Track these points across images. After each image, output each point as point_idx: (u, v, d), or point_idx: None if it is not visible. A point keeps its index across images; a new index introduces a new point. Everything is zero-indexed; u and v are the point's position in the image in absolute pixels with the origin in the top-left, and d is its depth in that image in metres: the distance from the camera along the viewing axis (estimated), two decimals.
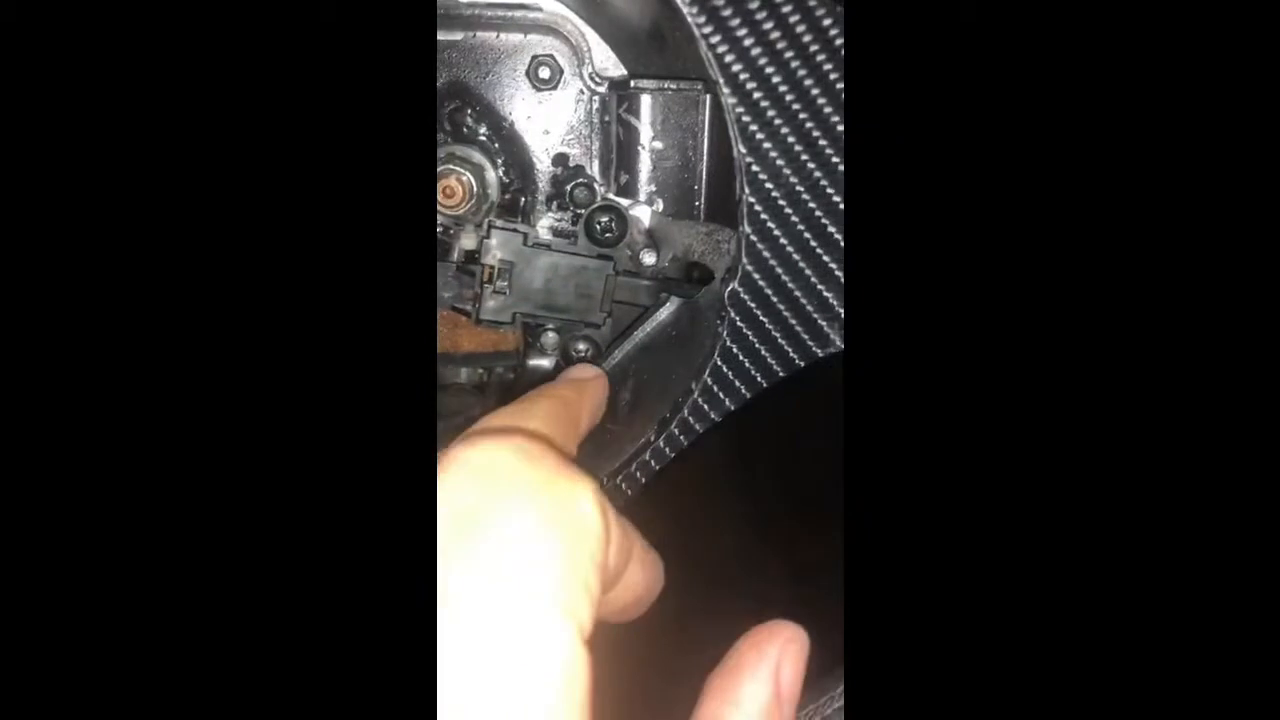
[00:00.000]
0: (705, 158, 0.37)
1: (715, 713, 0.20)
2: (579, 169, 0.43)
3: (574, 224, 0.42)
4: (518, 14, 0.40)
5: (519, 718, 0.16)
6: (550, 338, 0.43)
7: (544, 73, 0.41)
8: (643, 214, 0.41)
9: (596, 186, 0.40)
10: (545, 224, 0.43)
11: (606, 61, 0.41)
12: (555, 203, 0.44)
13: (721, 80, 0.32)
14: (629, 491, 0.39)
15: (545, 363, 0.48)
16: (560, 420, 0.27)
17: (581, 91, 0.42)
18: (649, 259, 0.39)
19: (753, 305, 0.36)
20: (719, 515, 0.49)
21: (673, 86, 0.37)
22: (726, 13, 0.31)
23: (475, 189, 0.42)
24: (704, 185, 0.38)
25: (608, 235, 0.40)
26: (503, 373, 0.50)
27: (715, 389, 0.38)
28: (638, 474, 0.39)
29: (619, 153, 0.39)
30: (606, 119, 0.41)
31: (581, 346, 0.44)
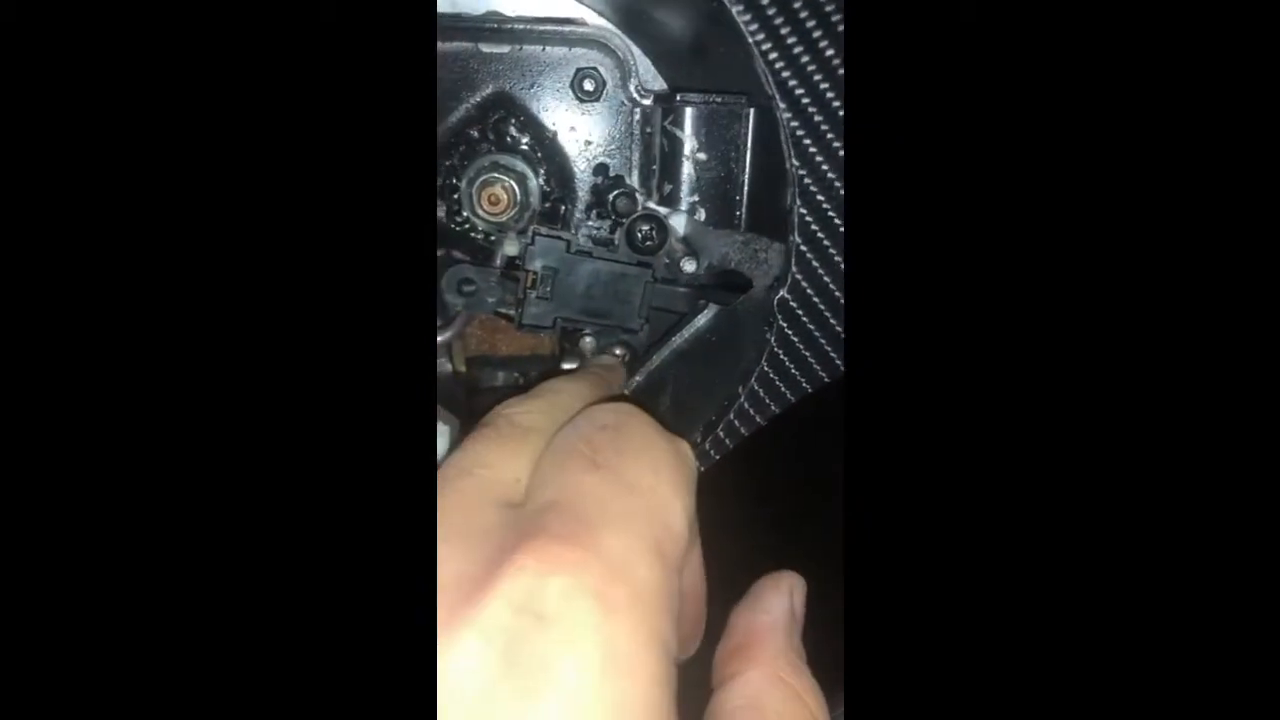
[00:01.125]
0: (748, 169, 0.38)
1: (746, 619, 0.25)
2: (619, 179, 0.44)
3: (613, 232, 0.44)
4: (564, 29, 0.41)
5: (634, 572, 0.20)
6: (588, 342, 0.44)
7: (588, 85, 0.43)
8: (681, 223, 0.42)
9: (637, 196, 0.41)
10: (585, 232, 0.45)
11: (648, 75, 0.42)
12: (595, 211, 0.45)
13: (777, 94, 0.34)
14: None
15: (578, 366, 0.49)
16: (602, 390, 0.30)
17: (624, 104, 0.43)
18: (688, 267, 0.41)
19: (801, 313, 0.37)
20: (736, 519, 0.50)
21: (717, 100, 0.38)
22: (783, 29, 0.33)
23: (519, 197, 0.43)
24: (745, 196, 0.39)
25: (648, 243, 0.41)
26: (537, 377, 0.51)
27: (762, 394, 0.39)
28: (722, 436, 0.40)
29: (661, 163, 0.40)
30: (648, 130, 0.42)
31: (618, 351, 0.45)
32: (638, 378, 0.42)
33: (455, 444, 0.41)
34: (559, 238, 0.41)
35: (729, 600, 0.26)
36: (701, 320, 0.41)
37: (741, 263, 0.42)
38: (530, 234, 0.41)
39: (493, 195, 0.43)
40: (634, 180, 0.44)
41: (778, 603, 0.25)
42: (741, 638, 0.24)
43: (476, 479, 0.23)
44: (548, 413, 0.26)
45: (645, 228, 0.41)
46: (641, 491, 0.21)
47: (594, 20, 0.42)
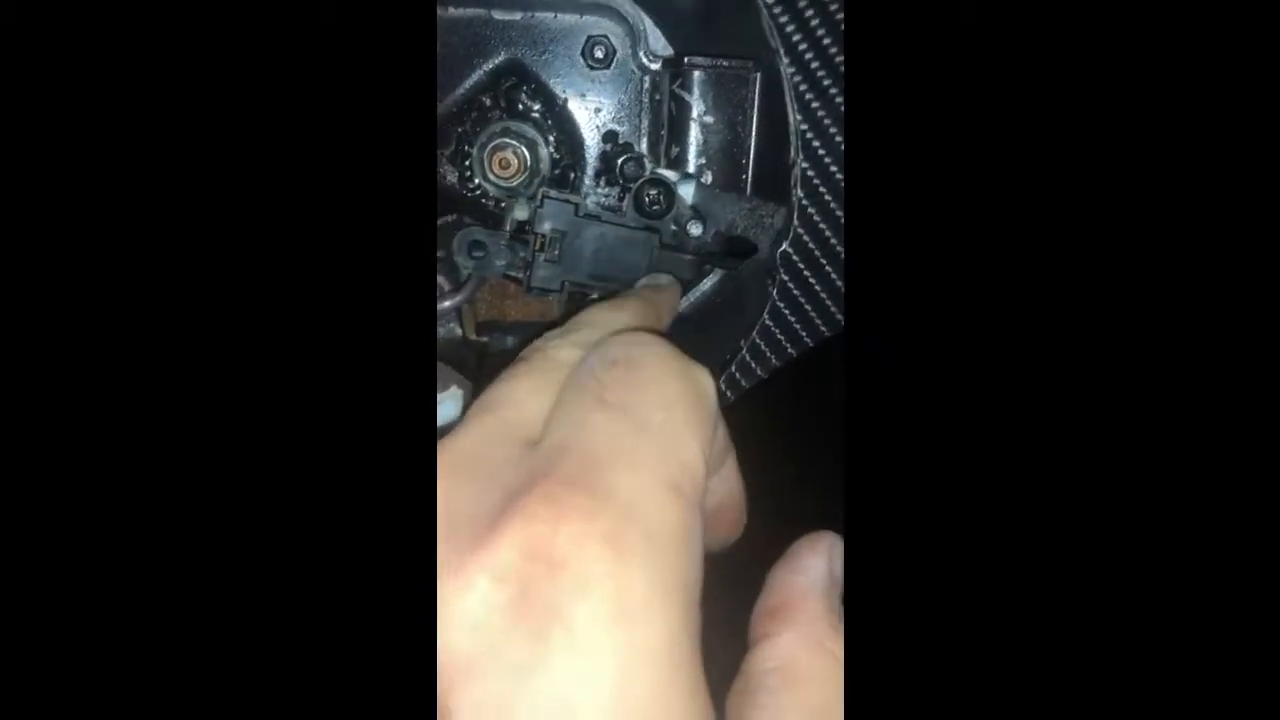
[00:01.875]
0: (755, 132, 0.39)
1: (783, 579, 0.24)
2: (628, 145, 0.45)
3: (621, 199, 0.44)
4: None
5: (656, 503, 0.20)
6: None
7: (598, 52, 0.43)
8: (689, 188, 0.42)
9: (645, 161, 0.42)
10: (594, 199, 0.45)
11: (656, 42, 0.43)
12: (604, 178, 0.46)
13: (781, 50, 0.34)
14: None
15: None
16: (646, 317, 0.29)
17: (633, 71, 0.44)
18: (695, 230, 0.41)
19: (803, 267, 0.38)
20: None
21: (724, 64, 0.39)
22: None
23: (529, 162, 0.44)
24: (752, 159, 0.40)
25: (655, 208, 0.42)
26: None
27: (763, 347, 0.39)
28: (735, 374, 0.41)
29: (670, 127, 0.41)
30: (657, 97, 0.43)
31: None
32: None
33: (467, 409, 0.42)
34: (567, 201, 0.42)
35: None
36: (706, 284, 0.42)
37: (748, 229, 0.43)
38: (540, 197, 0.42)
39: (503, 160, 0.43)
40: (642, 146, 0.45)
41: (815, 564, 0.24)
42: (778, 599, 0.23)
43: (497, 417, 0.23)
44: (584, 346, 0.25)
45: (653, 192, 0.42)
46: (653, 429, 0.21)
47: None
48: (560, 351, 0.25)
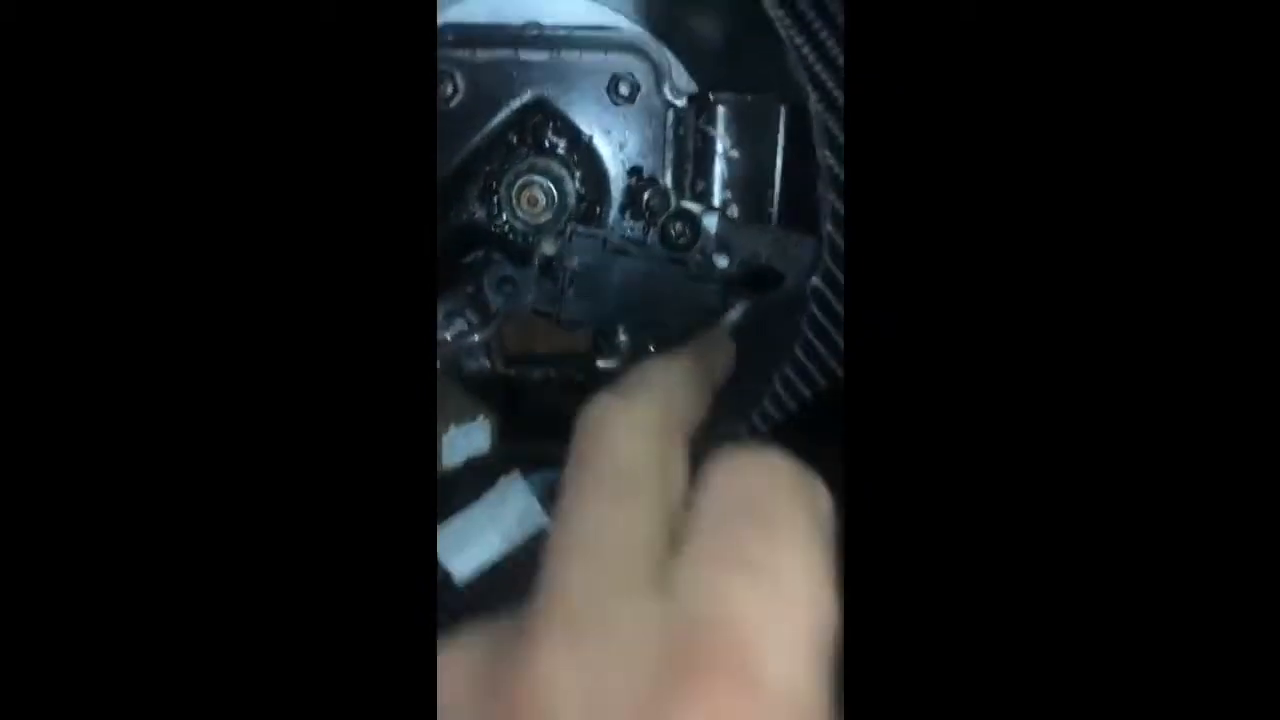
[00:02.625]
0: (780, 165, 0.39)
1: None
2: (652, 179, 0.46)
3: (646, 232, 0.45)
4: (600, 34, 0.42)
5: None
6: (623, 340, 0.46)
7: (622, 89, 0.44)
8: (714, 221, 0.43)
9: (670, 194, 0.43)
10: (619, 232, 0.46)
11: (681, 79, 0.44)
12: (629, 211, 0.46)
13: (809, 85, 0.35)
14: None
15: (613, 364, 0.50)
16: (703, 380, 0.27)
17: (658, 106, 0.44)
18: (721, 262, 0.42)
19: (832, 299, 0.38)
20: None
21: (749, 98, 0.40)
22: (815, 23, 0.34)
23: (556, 198, 0.45)
24: (778, 192, 0.40)
25: (681, 241, 0.42)
26: (572, 374, 0.52)
27: (794, 379, 0.40)
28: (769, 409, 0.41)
29: (695, 162, 0.41)
30: (682, 132, 0.44)
31: (652, 348, 0.46)
32: None
33: (495, 440, 0.42)
34: (595, 236, 0.42)
35: None
36: (733, 315, 0.42)
37: (773, 258, 0.43)
38: (568, 232, 0.42)
39: (531, 197, 0.44)
40: (667, 181, 0.45)
41: None
42: None
43: (603, 562, 0.20)
44: (651, 430, 0.23)
45: (678, 225, 0.43)
46: (798, 592, 0.19)
47: (629, 26, 0.43)
48: (632, 451, 0.22)
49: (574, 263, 0.43)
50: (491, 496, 0.32)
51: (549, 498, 0.34)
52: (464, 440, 0.39)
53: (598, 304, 0.44)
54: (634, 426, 0.23)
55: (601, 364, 0.51)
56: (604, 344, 0.48)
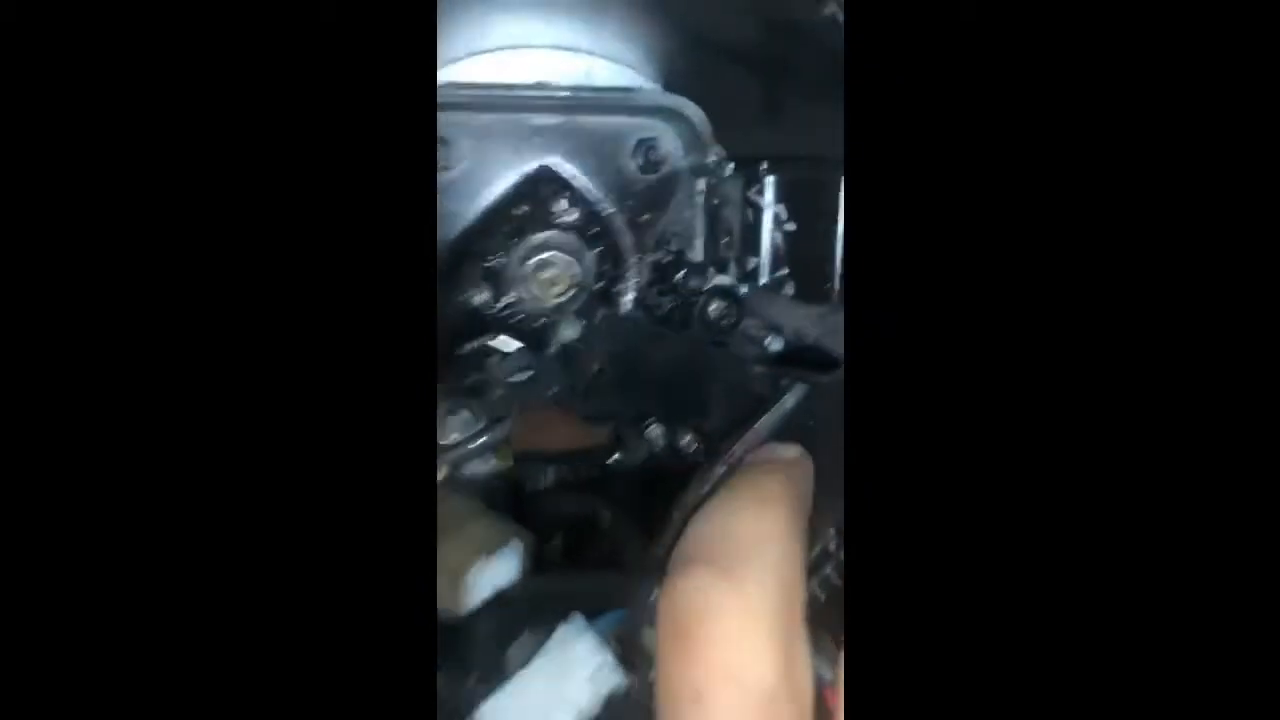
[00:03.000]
0: (841, 239, 0.36)
1: None
2: (680, 253, 0.41)
3: (679, 310, 0.40)
4: (621, 97, 0.38)
5: None
6: (655, 430, 0.40)
7: (649, 155, 0.40)
8: (760, 298, 0.39)
9: (709, 271, 0.38)
10: (643, 309, 0.41)
11: (711, 144, 0.40)
12: (656, 289, 0.42)
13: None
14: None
15: (633, 458, 0.45)
16: (796, 514, 0.25)
17: (688, 173, 0.40)
18: (775, 345, 0.37)
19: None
20: None
21: (805, 164, 0.36)
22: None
23: (576, 277, 0.40)
24: (836, 267, 0.36)
25: (723, 321, 0.38)
26: (588, 470, 0.46)
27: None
28: (831, 575, 0.35)
29: (741, 235, 0.37)
30: (715, 201, 0.40)
31: (686, 439, 0.40)
32: (719, 469, 0.38)
33: (526, 564, 0.36)
34: (626, 319, 0.37)
35: None
36: (789, 402, 0.38)
37: (821, 338, 0.39)
38: (597, 315, 0.37)
39: (550, 277, 0.39)
40: (698, 253, 0.41)
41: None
42: None
43: None
44: (771, 629, 0.21)
45: (719, 304, 0.38)
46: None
47: (650, 87, 0.39)
48: (752, 653, 0.21)
49: (602, 348, 0.37)
50: (551, 652, 0.26)
51: (618, 646, 0.27)
52: (491, 572, 0.32)
53: (629, 394, 0.38)
54: (748, 616, 0.21)
55: (619, 457, 0.45)
56: (627, 437, 0.43)
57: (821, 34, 0.32)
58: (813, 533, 0.27)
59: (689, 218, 0.41)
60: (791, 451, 0.31)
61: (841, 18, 0.32)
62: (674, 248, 0.41)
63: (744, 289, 0.38)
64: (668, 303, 0.42)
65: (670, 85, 0.40)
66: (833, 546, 0.38)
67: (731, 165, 0.37)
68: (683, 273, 0.38)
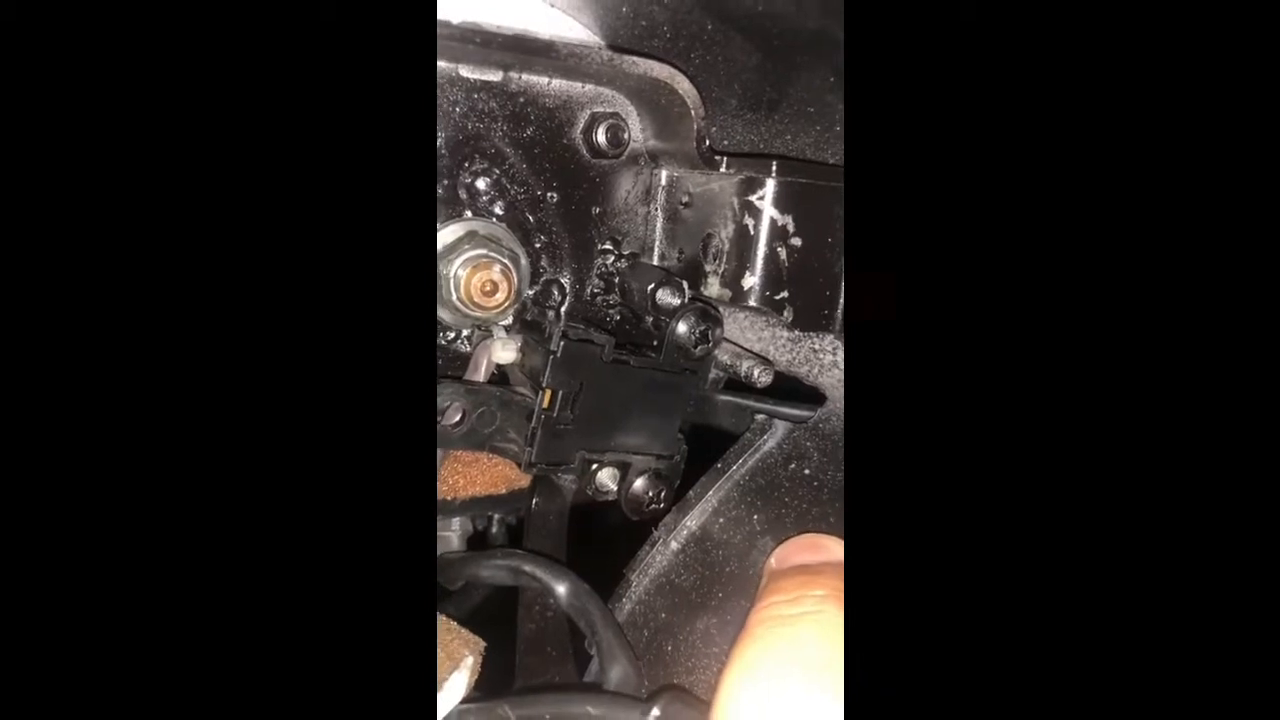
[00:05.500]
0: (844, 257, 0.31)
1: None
2: (634, 256, 0.34)
3: (625, 320, 0.33)
4: (578, 57, 0.29)
5: None
6: (608, 473, 0.33)
7: (604, 136, 0.32)
8: (738, 318, 0.33)
9: (684, 287, 0.31)
10: (577, 323, 0.33)
11: (675, 130, 0.33)
12: (607, 298, 0.34)
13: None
14: None
15: (558, 504, 0.37)
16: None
17: (646, 160, 0.33)
18: (764, 378, 0.31)
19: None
20: None
21: (814, 168, 0.30)
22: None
23: (516, 282, 0.31)
24: (844, 288, 0.31)
25: (700, 346, 0.31)
26: (504, 518, 0.38)
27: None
28: None
29: (735, 246, 0.31)
30: (685, 201, 0.33)
31: (641, 485, 0.34)
32: (688, 522, 0.32)
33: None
34: (590, 342, 0.30)
35: None
36: (769, 443, 0.32)
37: (794, 364, 0.34)
38: (556, 339, 0.29)
39: (487, 283, 0.30)
40: (654, 258, 0.34)
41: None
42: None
43: None
44: None
45: (692, 325, 0.31)
46: None
47: (613, 52, 0.31)
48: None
49: (562, 380, 0.29)
50: None
51: None
52: (446, 693, 0.24)
53: (587, 434, 0.31)
54: None
55: (541, 501, 0.37)
56: (560, 478, 0.35)
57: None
58: None
59: (645, 215, 0.34)
60: (842, 551, 0.26)
61: None
62: (625, 248, 0.34)
63: (721, 308, 0.32)
64: (615, 315, 0.34)
65: (644, 48, 0.32)
66: None
67: (724, 161, 0.30)
68: (652, 286, 0.31)
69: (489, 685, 0.28)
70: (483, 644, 0.26)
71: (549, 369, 0.29)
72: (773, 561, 0.28)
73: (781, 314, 0.30)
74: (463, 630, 0.27)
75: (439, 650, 0.25)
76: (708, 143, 0.30)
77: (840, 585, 0.24)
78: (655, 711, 0.23)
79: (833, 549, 0.27)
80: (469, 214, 0.31)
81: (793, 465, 0.32)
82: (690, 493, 0.33)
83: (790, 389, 0.35)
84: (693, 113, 0.29)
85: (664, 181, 0.33)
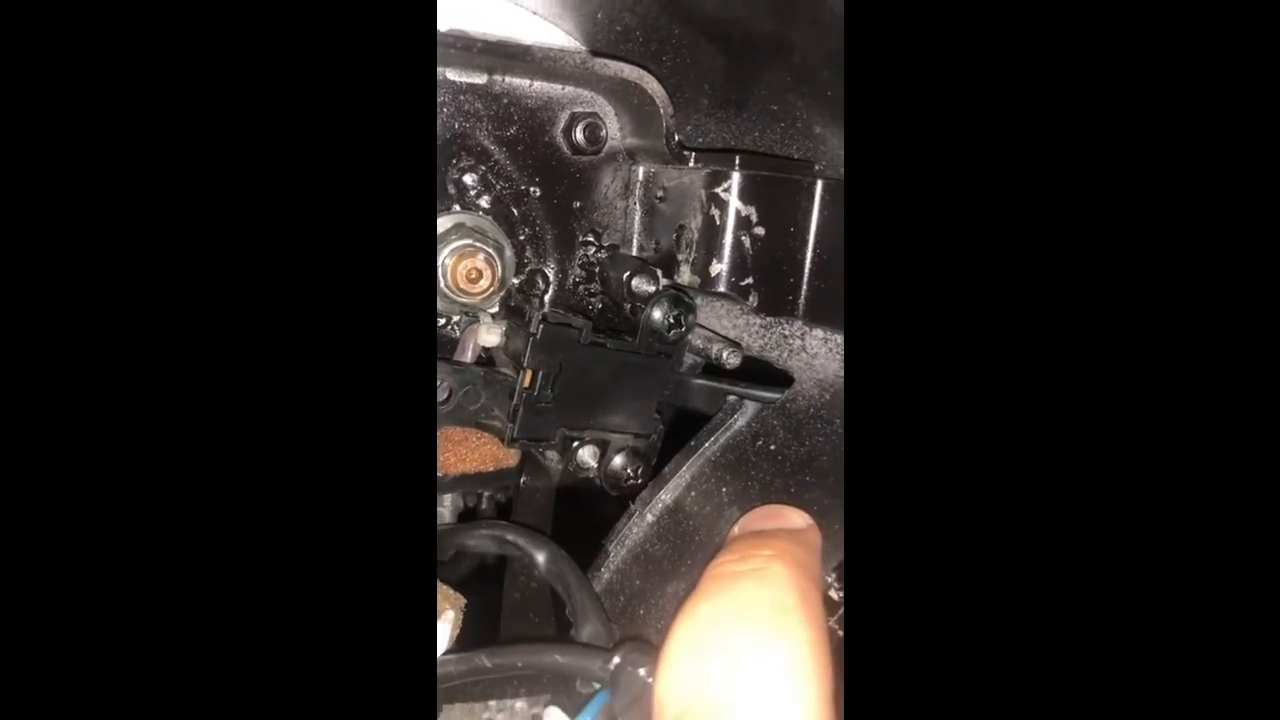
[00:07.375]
0: (811, 248, 0.33)
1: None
2: (614, 247, 0.36)
3: (607, 309, 0.35)
4: (557, 60, 0.32)
5: None
6: (588, 451, 0.35)
7: (584, 134, 0.34)
8: (711, 305, 0.35)
9: (659, 274, 0.34)
10: (557, 308, 0.35)
11: (648, 127, 0.35)
12: (589, 286, 0.36)
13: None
14: None
15: (544, 481, 0.39)
16: (808, 594, 0.24)
17: (624, 157, 0.35)
18: (733, 360, 0.33)
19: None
20: None
21: (780, 161, 0.32)
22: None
23: (500, 270, 0.33)
24: (807, 277, 0.33)
25: (673, 330, 0.33)
26: (493, 495, 0.40)
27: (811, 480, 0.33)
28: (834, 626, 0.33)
29: (703, 237, 0.33)
30: (660, 195, 0.35)
31: (619, 462, 0.36)
32: (663, 496, 0.34)
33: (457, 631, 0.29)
34: (568, 326, 0.32)
35: None
36: (739, 422, 0.34)
37: (766, 349, 0.36)
38: (536, 322, 0.31)
39: (472, 270, 0.32)
40: (634, 249, 0.36)
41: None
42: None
43: None
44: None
45: (666, 311, 0.33)
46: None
47: (590, 55, 0.33)
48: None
49: (542, 360, 0.32)
50: None
51: None
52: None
53: (567, 412, 0.33)
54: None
55: (530, 481, 0.39)
56: (543, 456, 0.37)
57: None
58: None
59: (623, 209, 0.36)
60: (799, 520, 0.28)
61: None
62: (604, 240, 0.36)
63: (693, 294, 0.34)
64: (597, 303, 0.36)
65: (620, 52, 0.34)
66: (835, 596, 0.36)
67: (692, 156, 0.32)
68: (629, 274, 0.33)
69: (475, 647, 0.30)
70: (463, 600, 0.28)
71: (529, 349, 0.31)
72: (736, 529, 0.30)
73: (747, 299, 0.32)
74: (444, 586, 0.29)
75: None
76: (677, 139, 0.32)
77: (788, 548, 0.26)
78: (616, 659, 0.25)
79: (791, 517, 0.29)
80: (457, 207, 0.34)
81: (760, 442, 0.34)
82: (665, 469, 0.35)
83: (761, 372, 0.37)
84: (661, 111, 0.31)
85: (641, 177, 0.36)
